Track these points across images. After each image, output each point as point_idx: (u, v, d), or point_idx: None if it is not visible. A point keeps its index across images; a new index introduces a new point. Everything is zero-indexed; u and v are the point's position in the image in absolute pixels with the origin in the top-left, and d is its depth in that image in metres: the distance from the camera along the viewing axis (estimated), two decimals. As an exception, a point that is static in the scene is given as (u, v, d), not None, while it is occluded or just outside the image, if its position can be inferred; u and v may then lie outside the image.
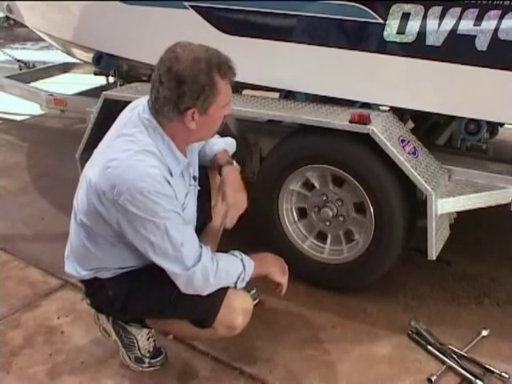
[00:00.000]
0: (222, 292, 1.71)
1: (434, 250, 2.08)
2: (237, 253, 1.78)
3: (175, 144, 1.67)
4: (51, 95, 3.59)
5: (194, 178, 1.86)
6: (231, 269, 1.73)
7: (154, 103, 1.61)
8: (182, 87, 1.54)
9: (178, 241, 1.60)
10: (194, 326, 1.78)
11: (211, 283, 1.66)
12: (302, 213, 2.45)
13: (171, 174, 1.65)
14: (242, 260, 1.74)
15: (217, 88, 1.57)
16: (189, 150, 1.82)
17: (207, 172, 2.11)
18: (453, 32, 1.99)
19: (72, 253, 1.84)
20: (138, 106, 1.71)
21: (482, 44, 1.95)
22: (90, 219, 1.70)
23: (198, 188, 1.91)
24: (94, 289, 1.86)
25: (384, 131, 2.10)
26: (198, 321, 1.77)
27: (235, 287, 1.74)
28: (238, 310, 1.74)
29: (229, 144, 2.09)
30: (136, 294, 1.79)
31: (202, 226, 2.10)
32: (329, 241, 2.40)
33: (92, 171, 1.65)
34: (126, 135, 1.65)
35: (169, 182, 1.61)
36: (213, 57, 1.58)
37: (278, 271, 1.86)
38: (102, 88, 3.45)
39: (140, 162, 1.57)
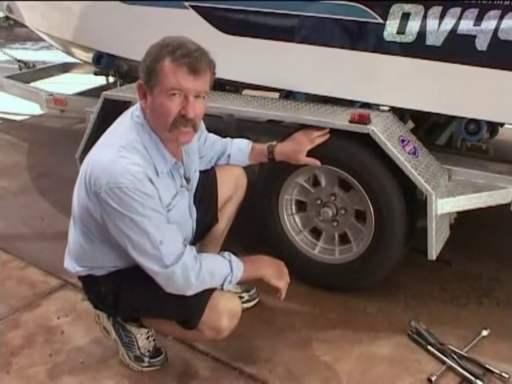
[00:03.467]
0: (208, 293, 1.69)
1: (434, 250, 2.08)
2: (226, 254, 1.76)
3: (163, 143, 1.68)
4: (51, 95, 3.59)
5: (187, 179, 1.85)
6: (216, 270, 1.70)
7: None
8: (142, 60, 1.63)
9: (157, 239, 1.60)
10: (181, 327, 1.78)
11: (193, 283, 1.64)
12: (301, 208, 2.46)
13: (157, 173, 1.65)
14: (230, 261, 1.73)
15: (161, 66, 1.57)
16: (186, 152, 1.84)
17: (215, 174, 2.12)
18: (453, 32, 1.99)
19: (70, 249, 1.87)
20: (134, 106, 1.75)
21: (482, 44, 1.95)
22: (81, 213, 1.73)
23: (201, 190, 1.92)
24: (89, 284, 1.89)
25: (384, 131, 2.10)
26: (183, 322, 1.77)
27: (222, 289, 1.73)
28: (223, 312, 1.71)
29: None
30: (125, 292, 1.80)
31: (208, 227, 2.11)
32: (322, 239, 2.41)
33: (83, 165, 1.70)
34: (115, 131, 1.70)
35: (151, 181, 1.61)
36: (177, 41, 1.59)
37: (273, 275, 1.82)
38: (102, 88, 3.45)
39: (122, 158, 1.58)
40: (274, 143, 2.14)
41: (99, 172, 1.59)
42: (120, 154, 1.59)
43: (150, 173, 1.61)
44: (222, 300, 1.72)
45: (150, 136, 1.66)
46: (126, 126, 1.69)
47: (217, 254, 1.78)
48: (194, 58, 1.57)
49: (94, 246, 1.77)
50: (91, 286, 1.87)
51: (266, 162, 2.19)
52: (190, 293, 1.67)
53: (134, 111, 1.71)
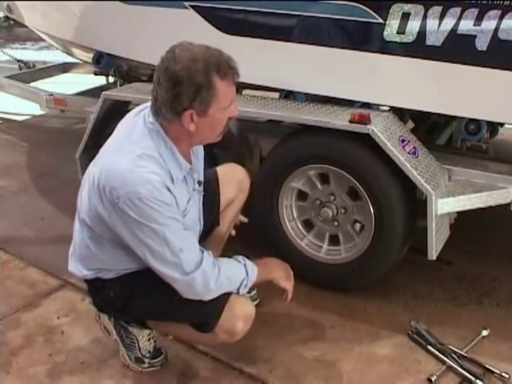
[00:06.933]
0: (224, 297, 1.70)
1: (434, 250, 2.08)
2: (240, 258, 1.76)
3: (178, 148, 1.65)
4: (51, 95, 3.58)
5: (199, 182, 1.84)
6: (233, 275, 1.71)
7: (154, 104, 1.60)
8: (177, 88, 1.52)
9: (177, 247, 1.59)
10: (195, 330, 1.78)
11: (212, 289, 1.65)
12: (302, 213, 2.46)
13: (172, 180, 1.63)
14: (245, 266, 1.73)
15: (215, 89, 1.54)
16: (194, 155, 1.81)
17: (217, 176, 2.11)
18: (453, 32, 1.99)
19: (75, 252, 1.83)
20: (144, 110, 1.70)
21: (482, 44, 1.95)
22: (91, 219, 1.70)
23: (203, 193, 1.89)
24: (96, 288, 1.85)
25: (384, 131, 2.10)
26: (198, 325, 1.77)
27: (238, 292, 1.74)
28: (239, 316, 1.72)
29: None
30: (138, 297, 1.78)
31: (209, 230, 2.10)
32: (327, 240, 2.41)
33: (95, 171, 1.64)
34: (130, 138, 1.64)
35: (169, 189, 1.59)
36: (212, 56, 1.55)
37: (282, 277, 1.85)
38: (102, 88, 3.45)
39: (140, 167, 1.55)
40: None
41: (116, 181, 1.55)
42: (136, 162, 1.55)
43: (166, 181, 1.59)
44: (239, 304, 1.73)
45: (165, 143, 1.63)
46: (139, 132, 1.64)
47: (231, 259, 1.78)
48: (234, 67, 1.58)
49: (103, 248, 1.73)
50: (99, 290, 1.84)
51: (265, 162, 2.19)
52: (208, 298, 1.67)
53: (147, 117, 1.65)
